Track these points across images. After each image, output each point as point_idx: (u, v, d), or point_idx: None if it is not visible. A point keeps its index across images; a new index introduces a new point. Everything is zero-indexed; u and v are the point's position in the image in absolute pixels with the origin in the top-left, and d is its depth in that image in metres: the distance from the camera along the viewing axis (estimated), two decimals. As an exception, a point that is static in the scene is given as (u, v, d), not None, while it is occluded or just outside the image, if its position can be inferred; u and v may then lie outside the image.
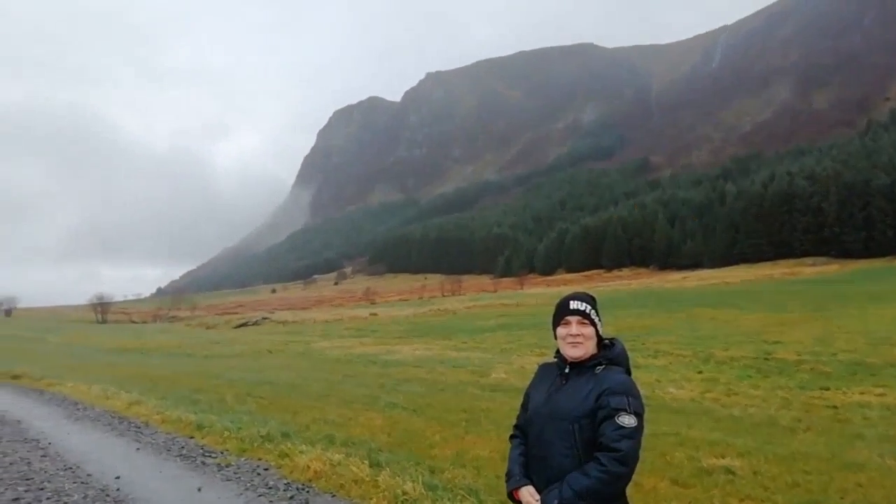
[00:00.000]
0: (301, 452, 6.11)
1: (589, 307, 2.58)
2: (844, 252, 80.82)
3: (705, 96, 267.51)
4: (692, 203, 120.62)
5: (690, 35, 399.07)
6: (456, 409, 9.36)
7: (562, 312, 2.59)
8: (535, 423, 2.54)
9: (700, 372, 13.32)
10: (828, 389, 10.63)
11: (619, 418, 2.33)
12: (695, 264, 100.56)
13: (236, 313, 68.52)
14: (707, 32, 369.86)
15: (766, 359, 14.50)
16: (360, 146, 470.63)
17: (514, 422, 2.78)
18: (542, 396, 2.57)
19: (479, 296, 71.99)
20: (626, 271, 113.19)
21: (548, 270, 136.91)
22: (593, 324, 2.55)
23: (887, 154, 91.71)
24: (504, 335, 25.05)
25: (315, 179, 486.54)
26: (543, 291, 69.09)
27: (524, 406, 2.70)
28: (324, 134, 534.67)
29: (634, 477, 6.09)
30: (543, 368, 2.74)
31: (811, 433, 7.47)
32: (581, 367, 2.53)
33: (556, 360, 2.66)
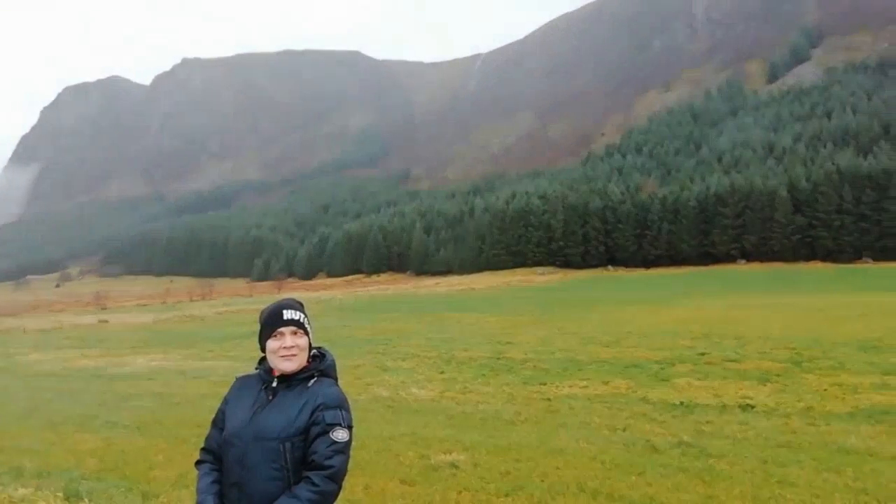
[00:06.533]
0: (-29, 492, 5.02)
1: (302, 315, 2.42)
2: (567, 263, 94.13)
3: (462, 117, 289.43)
4: (446, 214, 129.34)
5: (450, 58, 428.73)
6: (189, 424, 8.61)
7: (274, 323, 2.38)
8: (234, 445, 2.25)
9: (442, 372, 14.10)
10: (545, 384, 11.98)
11: (334, 433, 2.22)
12: (447, 271, 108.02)
13: (-87, 321, 54.92)
14: (466, 58, 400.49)
15: (498, 358, 15.91)
16: (97, 130, 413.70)
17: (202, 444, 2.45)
18: (244, 415, 2.31)
19: (231, 300, 68.08)
20: (384, 276, 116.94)
21: (308, 275, 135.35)
22: (307, 333, 2.41)
23: (601, 182, 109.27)
24: (255, 342, 23.92)
25: (36, 163, 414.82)
26: (302, 296, 67.84)
27: (217, 425, 2.40)
28: (50, 112, 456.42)
29: (366, 479, 6.08)
30: (242, 381, 2.48)
31: (527, 424, 8.34)
32: (291, 379, 2.34)
33: (257, 371, 2.44)
